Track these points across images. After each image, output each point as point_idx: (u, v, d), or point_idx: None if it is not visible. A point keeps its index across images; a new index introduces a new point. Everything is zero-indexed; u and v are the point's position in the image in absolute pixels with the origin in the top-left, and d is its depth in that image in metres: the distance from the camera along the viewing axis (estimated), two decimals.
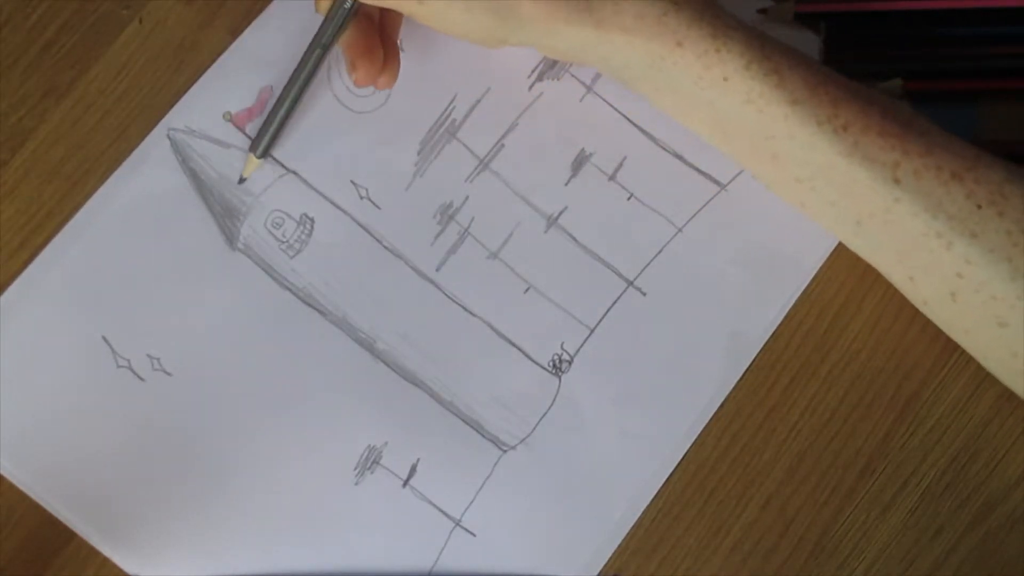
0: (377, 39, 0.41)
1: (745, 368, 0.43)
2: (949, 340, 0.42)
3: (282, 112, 0.41)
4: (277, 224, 0.43)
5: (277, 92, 0.43)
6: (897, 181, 0.36)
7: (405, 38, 0.44)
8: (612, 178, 0.44)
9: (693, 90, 0.37)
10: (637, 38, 0.36)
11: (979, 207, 0.36)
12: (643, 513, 0.41)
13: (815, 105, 0.36)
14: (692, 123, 0.39)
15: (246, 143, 0.43)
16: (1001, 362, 0.39)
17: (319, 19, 0.44)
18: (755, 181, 0.44)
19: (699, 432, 0.42)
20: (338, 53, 0.44)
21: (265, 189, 0.43)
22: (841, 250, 0.43)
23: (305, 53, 0.41)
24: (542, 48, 0.39)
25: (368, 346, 0.42)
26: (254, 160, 0.42)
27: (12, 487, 0.40)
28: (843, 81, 0.37)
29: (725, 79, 0.36)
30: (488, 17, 0.37)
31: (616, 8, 0.36)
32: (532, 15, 0.37)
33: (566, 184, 0.44)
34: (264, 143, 0.42)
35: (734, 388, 0.42)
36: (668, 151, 0.44)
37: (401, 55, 0.44)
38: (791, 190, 0.39)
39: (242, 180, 0.42)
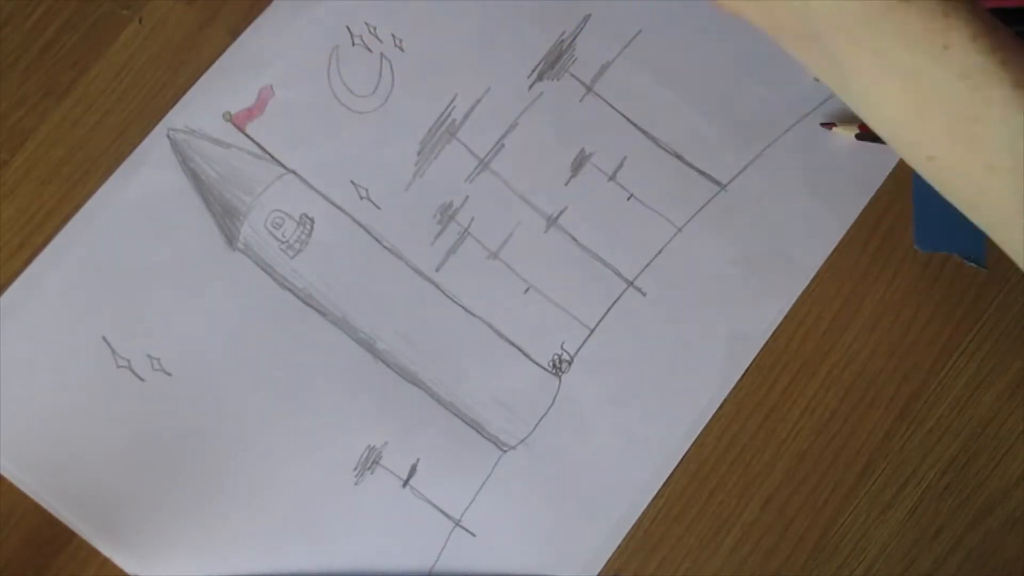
0: None
1: (745, 368, 0.43)
2: (949, 340, 0.42)
3: None
4: (277, 224, 0.43)
5: (277, 92, 0.43)
6: None
7: (405, 38, 0.44)
8: (612, 178, 0.44)
9: (902, 55, 0.34)
10: None
11: None
12: (643, 513, 0.41)
13: None
14: (883, 92, 0.35)
15: (246, 143, 0.43)
16: None
17: (319, 19, 0.44)
18: (755, 181, 0.44)
19: (699, 432, 0.42)
20: (338, 52, 0.44)
21: (265, 189, 0.43)
22: (841, 250, 0.43)
23: None
24: None
25: (368, 346, 0.42)
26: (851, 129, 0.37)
27: (12, 487, 0.40)
28: None
29: (946, 47, 0.33)
30: None
31: None
32: None
33: (566, 184, 0.44)
34: None
35: (734, 388, 0.42)
36: (668, 151, 0.44)
37: (401, 55, 0.44)
38: (971, 179, 0.35)
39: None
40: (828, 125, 0.44)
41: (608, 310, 0.43)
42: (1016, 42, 0.33)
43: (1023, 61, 0.33)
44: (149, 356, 0.41)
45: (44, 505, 0.40)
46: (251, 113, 0.43)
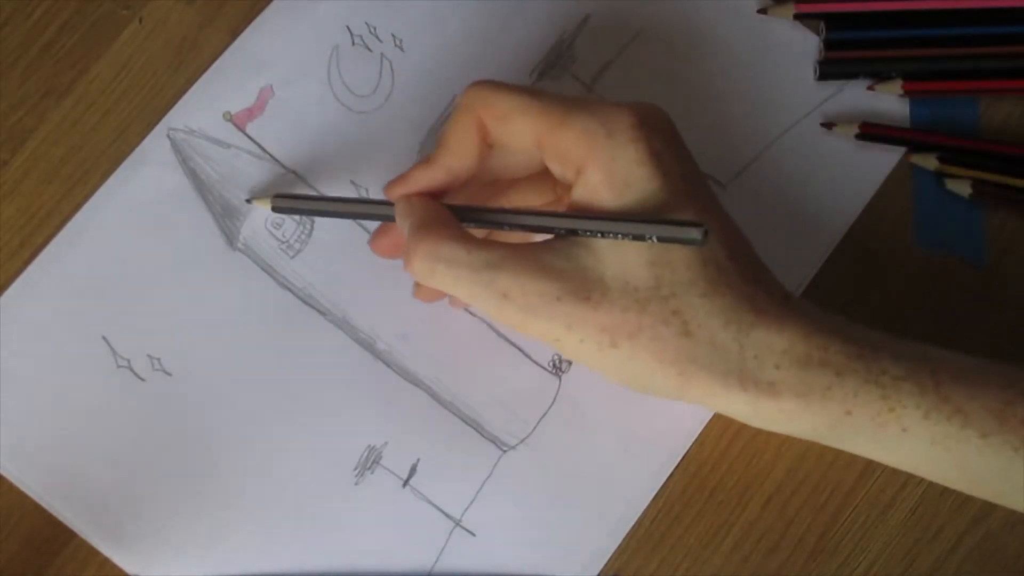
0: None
1: None
2: (949, 340, 0.42)
3: (314, 212, 0.41)
4: (277, 224, 0.43)
5: (277, 92, 0.43)
6: None
7: (405, 38, 0.44)
8: None
9: (871, 445, 0.36)
10: (803, 414, 0.35)
11: None
12: (643, 513, 0.41)
13: (1006, 433, 0.34)
14: (877, 460, 0.38)
15: (246, 143, 0.43)
16: None
17: (319, 19, 0.44)
18: (754, 181, 0.44)
19: (699, 432, 0.42)
20: (338, 52, 0.44)
21: (265, 189, 0.43)
22: (840, 250, 0.43)
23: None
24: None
25: (368, 346, 0.42)
26: (266, 202, 0.41)
27: (12, 487, 0.40)
28: None
29: (904, 430, 0.35)
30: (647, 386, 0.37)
31: (773, 390, 0.35)
32: (679, 396, 0.36)
33: None
34: (284, 207, 0.41)
35: None
36: None
37: (401, 55, 0.44)
38: (984, 496, 0.38)
39: (248, 200, 0.42)
40: (828, 125, 0.44)
41: None
42: (968, 388, 0.35)
43: (980, 409, 0.35)
44: (149, 356, 0.41)
45: (44, 505, 0.40)
46: (251, 113, 0.43)
